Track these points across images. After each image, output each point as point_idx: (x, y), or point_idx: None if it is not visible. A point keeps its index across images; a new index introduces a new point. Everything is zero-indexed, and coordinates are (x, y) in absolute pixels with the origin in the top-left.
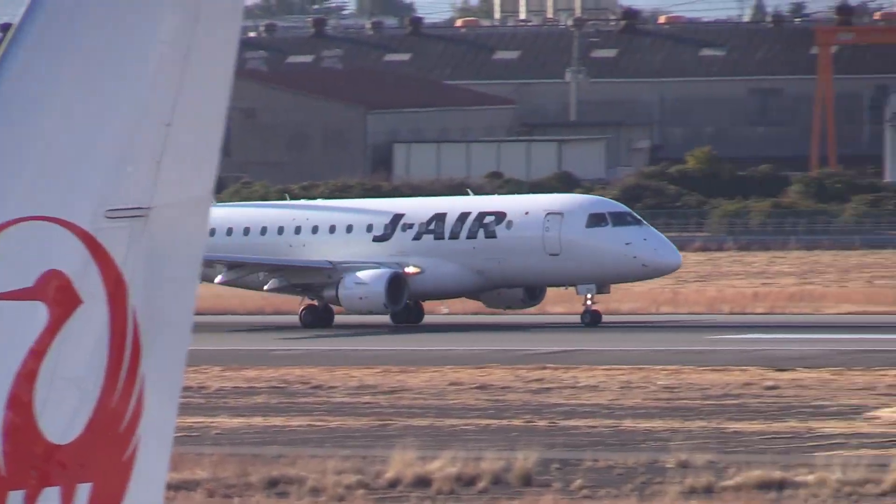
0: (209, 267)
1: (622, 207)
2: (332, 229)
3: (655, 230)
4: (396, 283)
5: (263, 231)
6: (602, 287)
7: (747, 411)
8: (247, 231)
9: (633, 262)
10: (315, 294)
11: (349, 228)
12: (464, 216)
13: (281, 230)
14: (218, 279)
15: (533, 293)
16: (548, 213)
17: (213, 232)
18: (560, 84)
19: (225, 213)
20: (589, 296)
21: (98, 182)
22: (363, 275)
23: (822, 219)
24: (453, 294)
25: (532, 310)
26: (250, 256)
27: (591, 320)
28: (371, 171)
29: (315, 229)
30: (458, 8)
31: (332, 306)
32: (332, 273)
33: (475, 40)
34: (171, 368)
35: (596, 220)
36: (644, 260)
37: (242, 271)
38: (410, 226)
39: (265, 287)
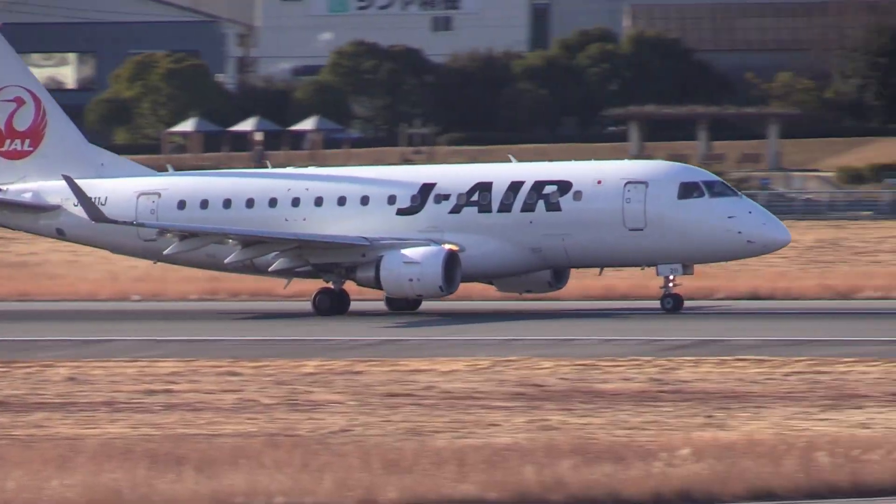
0: (221, 243)
1: (714, 177)
2: (342, 201)
3: (755, 202)
4: (452, 262)
5: (250, 203)
6: (687, 267)
7: None
8: (228, 203)
9: (737, 239)
10: (342, 276)
11: (364, 200)
12: (516, 185)
13: (273, 202)
14: (229, 258)
15: (559, 275)
16: (627, 182)
17: (182, 204)
18: None
19: (199, 182)
20: (672, 277)
21: None
22: (413, 253)
23: None
24: (498, 275)
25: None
26: (273, 231)
27: (674, 305)
28: None
29: (319, 201)
30: None
31: (346, 290)
32: (367, 251)
33: None
34: None
35: (689, 190)
36: (750, 236)
37: (260, 250)
38: (446, 197)
39: (270, 268)
